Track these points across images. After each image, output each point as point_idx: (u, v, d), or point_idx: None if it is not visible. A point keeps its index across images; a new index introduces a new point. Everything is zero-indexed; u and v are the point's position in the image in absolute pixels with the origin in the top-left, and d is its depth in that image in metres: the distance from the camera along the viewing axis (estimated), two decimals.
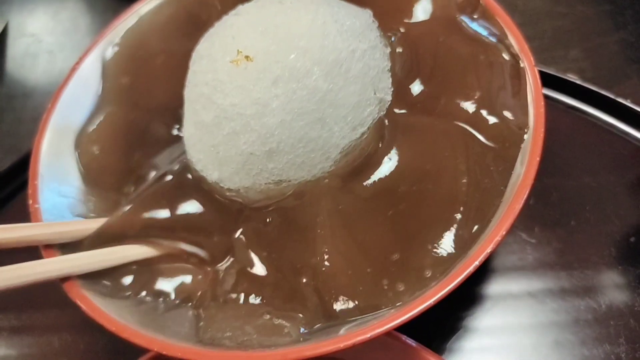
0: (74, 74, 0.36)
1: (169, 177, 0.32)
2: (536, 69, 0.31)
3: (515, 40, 0.32)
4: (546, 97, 0.44)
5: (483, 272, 0.37)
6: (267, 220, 0.29)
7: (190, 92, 0.31)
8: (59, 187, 0.32)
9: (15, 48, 0.62)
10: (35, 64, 0.60)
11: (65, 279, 0.28)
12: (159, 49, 0.37)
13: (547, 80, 0.43)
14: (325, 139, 0.28)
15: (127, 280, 0.29)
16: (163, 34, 0.38)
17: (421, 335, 0.31)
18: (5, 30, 0.63)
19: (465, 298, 0.36)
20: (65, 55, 0.60)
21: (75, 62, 0.37)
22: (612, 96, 0.41)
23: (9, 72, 0.61)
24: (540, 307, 0.35)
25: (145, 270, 0.30)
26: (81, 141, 0.34)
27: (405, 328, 0.27)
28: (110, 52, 0.37)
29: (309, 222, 0.28)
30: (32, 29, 0.64)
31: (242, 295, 0.27)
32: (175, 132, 0.34)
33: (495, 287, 0.36)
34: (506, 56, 0.31)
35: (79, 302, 0.27)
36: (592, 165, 0.40)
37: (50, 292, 0.28)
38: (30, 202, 0.30)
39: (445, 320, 0.35)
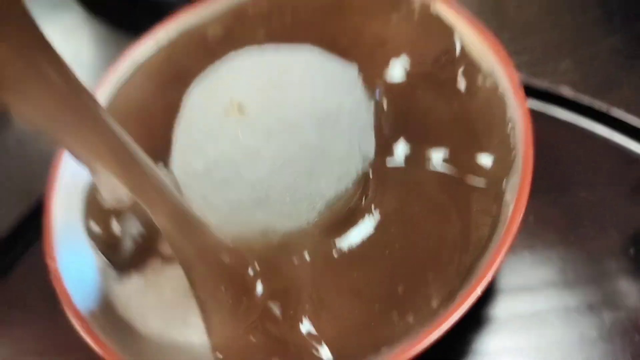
0: None
1: None
2: (522, 93, 0.32)
3: (503, 67, 0.33)
4: (540, 113, 0.45)
5: (490, 294, 0.38)
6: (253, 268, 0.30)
7: (181, 138, 0.32)
8: (77, 243, 0.33)
9: None
10: None
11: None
12: (148, 96, 0.38)
13: (540, 95, 0.44)
14: (313, 189, 0.29)
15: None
16: (154, 80, 0.39)
17: (430, 358, 0.32)
18: None
19: (473, 320, 0.37)
20: None
21: None
22: (603, 109, 0.42)
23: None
24: (545, 326, 0.35)
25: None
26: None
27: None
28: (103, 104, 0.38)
29: (299, 272, 0.29)
30: None
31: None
32: None
33: (501, 308, 0.37)
34: (482, 95, 0.33)
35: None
36: (588, 180, 0.40)
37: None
38: (49, 261, 0.32)
39: (454, 343, 0.36)
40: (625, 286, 0.36)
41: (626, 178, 0.40)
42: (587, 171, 0.41)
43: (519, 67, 0.54)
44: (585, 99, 0.42)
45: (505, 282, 0.38)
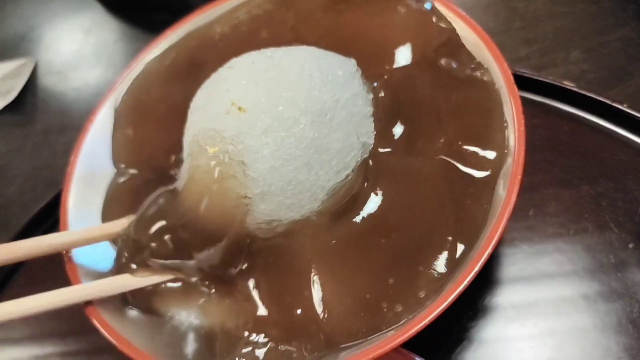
0: (90, 126, 0.39)
1: None
2: (517, 90, 0.33)
3: (498, 65, 0.34)
4: (544, 105, 0.45)
5: (487, 284, 0.39)
6: (262, 257, 0.31)
7: (190, 139, 0.33)
8: None
9: (44, 86, 0.67)
10: (64, 100, 0.65)
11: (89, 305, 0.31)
12: (160, 96, 0.40)
13: (545, 89, 0.44)
14: (312, 181, 0.30)
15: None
16: (165, 80, 0.40)
17: (427, 347, 0.33)
18: (35, 69, 0.68)
19: (470, 309, 0.38)
20: (89, 90, 0.65)
21: (90, 114, 0.40)
22: (608, 101, 0.41)
23: (41, 110, 0.65)
24: (540, 316, 0.36)
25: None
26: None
27: (412, 340, 0.30)
28: (117, 103, 0.40)
29: (300, 259, 0.31)
30: (59, 66, 0.68)
31: (245, 330, 0.30)
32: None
33: (498, 298, 0.38)
34: (480, 88, 0.33)
35: (101, 329, 0.31)
36: (590, 173, 0.40)
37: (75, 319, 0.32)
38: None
39: (450, 332, 0.37)
40: (621, 279, 0.36)
41: (629, 171, 0.40)
42: (590, 165, 0.41)
43: (529, 56, 0.54)
44: (588, 94, 0.42)
45: (503, 273, 0.38)
